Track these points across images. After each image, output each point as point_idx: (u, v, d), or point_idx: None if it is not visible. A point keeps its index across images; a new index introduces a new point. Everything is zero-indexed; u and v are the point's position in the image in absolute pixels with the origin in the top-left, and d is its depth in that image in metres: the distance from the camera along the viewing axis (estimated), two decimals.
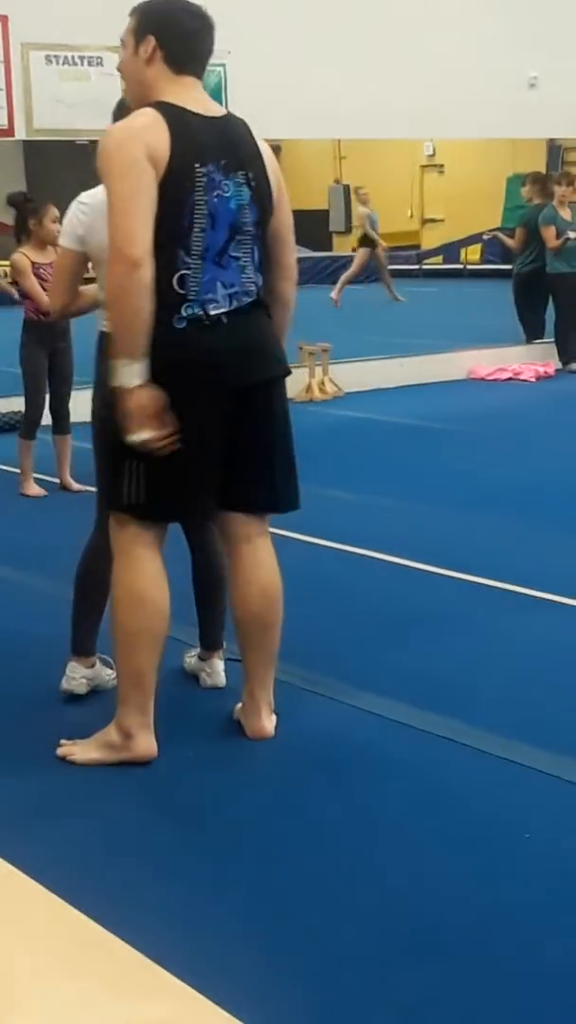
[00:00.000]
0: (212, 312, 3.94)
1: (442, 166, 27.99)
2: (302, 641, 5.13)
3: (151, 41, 3.99)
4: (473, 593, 5.86)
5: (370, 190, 28.56)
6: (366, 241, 20.81)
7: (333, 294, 19.50)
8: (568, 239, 12.50)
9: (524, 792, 3.92)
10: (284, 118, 11.34)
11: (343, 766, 4.11)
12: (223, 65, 10.57)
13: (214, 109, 4.07)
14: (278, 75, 10.85)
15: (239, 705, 4.40)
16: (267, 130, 12.42)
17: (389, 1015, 2.87)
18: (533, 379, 12.42)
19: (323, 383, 11.49)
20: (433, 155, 28.00)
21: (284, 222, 4.20)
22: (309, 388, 11.41)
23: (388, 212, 27.64)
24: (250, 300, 4.04)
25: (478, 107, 12.35)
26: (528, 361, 12.84)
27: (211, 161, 3.92)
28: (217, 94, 10.59)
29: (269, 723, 4.32)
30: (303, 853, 3.58)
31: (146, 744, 4.11)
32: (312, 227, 29.40)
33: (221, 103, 10.40)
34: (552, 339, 13.12)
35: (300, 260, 16.94)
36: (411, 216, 26.66)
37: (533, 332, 13.44)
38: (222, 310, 3.96)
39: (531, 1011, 2.87)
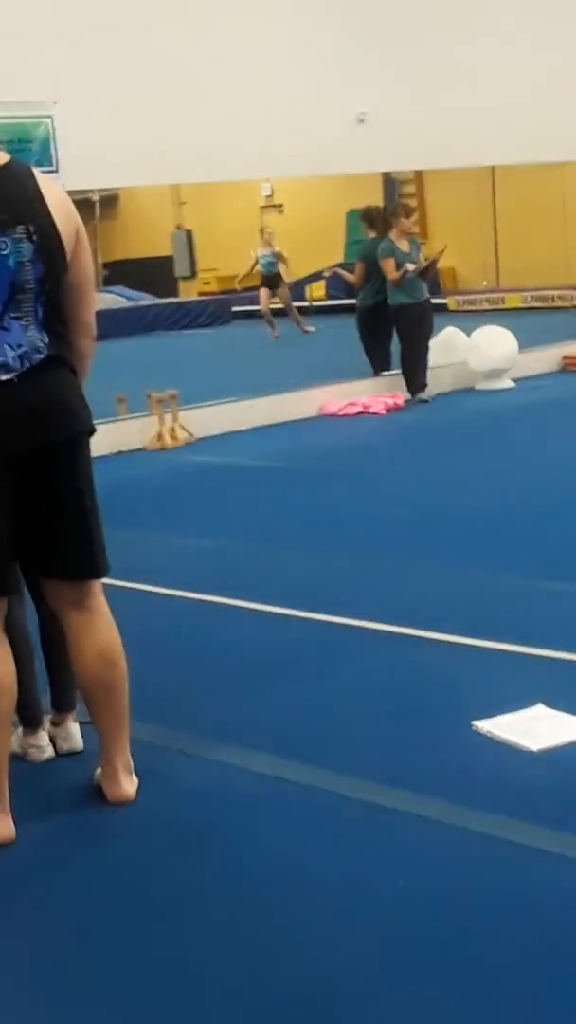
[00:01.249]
0: (3, 377, 3.79)
1: (281, 205, 28.10)
2: (159, 697, 5.05)
3: None
4: (326, 632, 5.79)
5: (211, 233, 28.71)
6: (266, 280, 20.85)
7: (273, 332, 20.20)
8: (407, 271, 12.54)
9: (393, 837, 3.83)
10: (119, 165, 11.28)
11: (207, 825, 3.99)
12: (50, 117, 10.47)
13: None
14: (109, 123, 10.74)
15: (99, 770, 4.26)
16: (102, 178, 12.48)
17: None
18: (383, 411, 12.43)
19: (173, 430, 11.37)
20: (271, 195, 28.11)
21: (82, 275, 3.99)
22: (160, 436, 11.29)
23: (231, 254, 27.72)
24: (42, 357, 3.86)
25: (309, 144, 12.37)
26: (377, 394, 12.85)
27: None
28: (46, 145, 10.49)
29: (130, 786, 4.19)
30: (161, 923, 3.44)
31: (2, 827, 3.95)
32: (157, 273, 29.45)
33: (49, 154, 10.49)
34: (399, 371, 13.14)
35: (145, 308, 17.09)
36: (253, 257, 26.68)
37: (380, 364, 13.48)
38: (13, 373, 3.81)
39: None
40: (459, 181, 24.16)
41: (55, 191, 3.94)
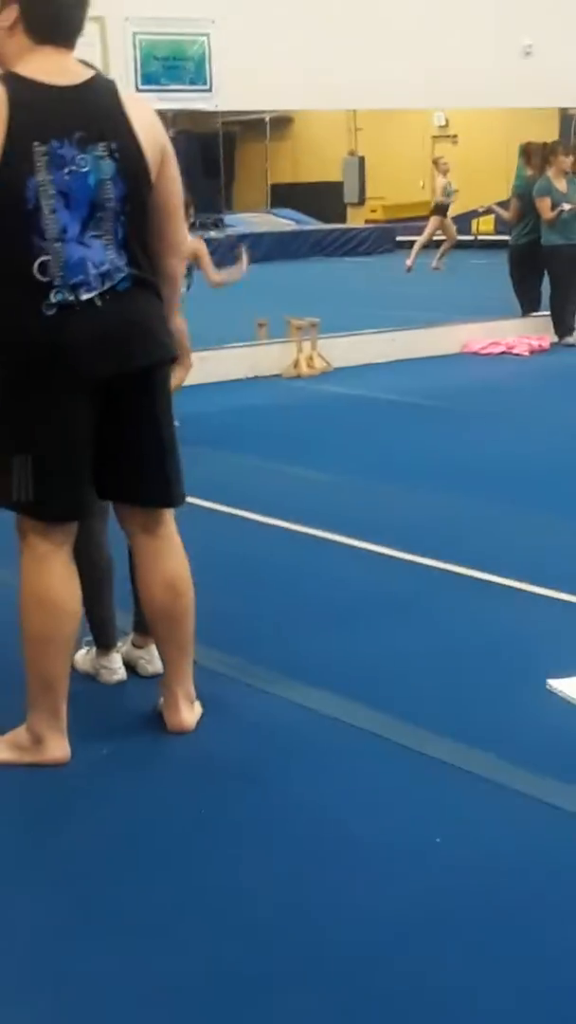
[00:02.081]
0: (83, 296, 3.74)
1: (455, 136, 27.69)
2: (240, 628, 5.06)
3: (14, 10, 3.77)
4: (424, 577, 5.70)
5: (383, 161, 28.43)
6: (438, 209, 20.59)
7: (408, 261, 19.53)
8: (563, 210, 12.27)
9: (439, 790, 3.77)
10: (274, 88, 11.15)
11: (258, 763, 3.97)
12: (207, 35, 10.38)
13: (74, 76, 3.78)
14: (265, 45, 10.61)
15: (161, 698, 4.26)
16: (256, 100, 12.40)
17: None
18: (527, 353, 12.23)
19: (311, 358, 11.31)
20: (446, 125, 27.72)
21: (169, 194, 3.92)
22: (296, 363, 11.23)
23: (402, 183, 27.46)
24: (123, 277, 3.80)
25: (474, 76, 12.11)
26: (523, 335, 12.63)
27: (58, 136, 3.67)
28: (201, 64, 10.41)
29: (190, 716, 4.18)
30: (194, 863, 3.43)
31: (57, 748, 3.97)
32: (326, 199, 29.30)
33: (204, 73, 10.43)
34: (548, 312, 12.89)
35: (309, 232, 17.13)
36: (423, 187, 26.27)
37: (529, 305, 13.24)
38: (94, 292, 3.75)
39: None
40: None
41: (141, 109, 3.88)
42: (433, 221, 20.73)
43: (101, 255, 3.77)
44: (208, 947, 3.04)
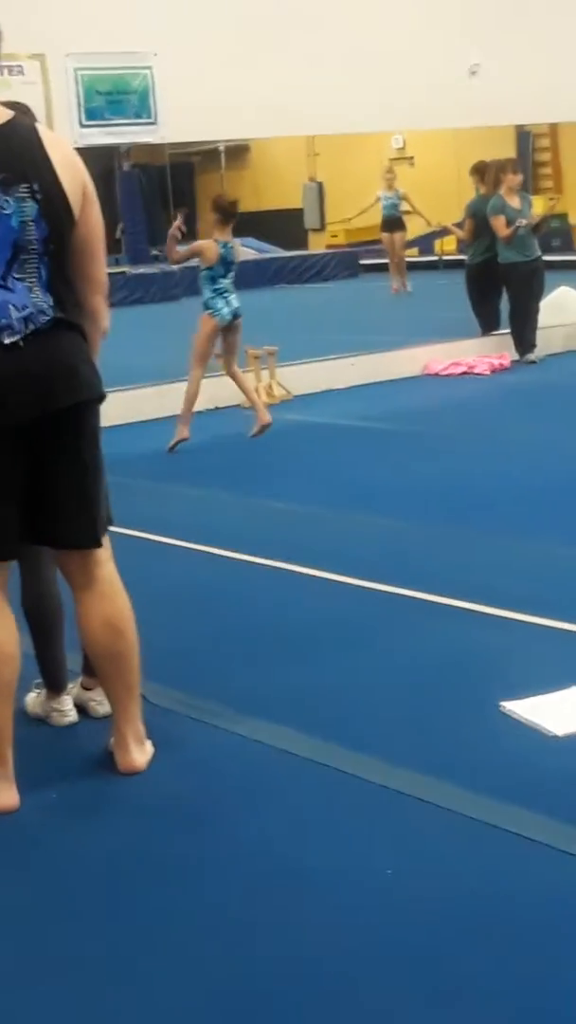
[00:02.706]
0: (6, 340, 3.70)
1: (411, 158, 27.74)
2: (191, 662, 5.02)
3: None
4: (377, 602, 5.67)
5: (342, 185, 28.44)
6: (386, 224, 20.59)
7: (394, 284, 19.79)
8: (519, 227, 12.28)
9: (394, 821, 3.73)
10: (218, 117, 11.14)
11: (212, 800, 3.93)
12: (149, 68, 10.38)
13: None
14: (208, 75, 10.62)
15: (112, 739, 4.21)
16: (200, 131, 12.38)
17: None
18: (488, 372, 12.21)
19: (270, 387, 11.27)
20: (403, 147, 27.77)
21: (91, 232, 3.90)
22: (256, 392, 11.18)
23: (360, 207, 27.46)
24: (48, 320, 3.78)
25: (422, 97, 12.15)
26: (484, 354, 12.62)
27: None
28: (144, 96, 10.40)
29: (140, 756, 4.13)
30: (146, 904, 3.38)
31: (3, 795, 3.91)
32: (287, 226, 29.32)
33: (148, 106, 10.42)
34: (508, 330, 12.89)
35: (270, 260, 17.04)
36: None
37: (488, 324, 13.23)
38: (17, 336, 3.72)
39: None
40: None
41: (61, 148, 3.85)
42: (385, 238, 20.70)
43: (24, 298, 3.74)
44: (163, 987, 3.00)
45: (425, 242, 26.80)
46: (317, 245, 29.44)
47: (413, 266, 25.78)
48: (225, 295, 9.30)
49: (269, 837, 3.68)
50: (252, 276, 24.56)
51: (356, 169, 27.34)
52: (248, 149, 29.73)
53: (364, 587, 5.86)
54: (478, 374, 12.18)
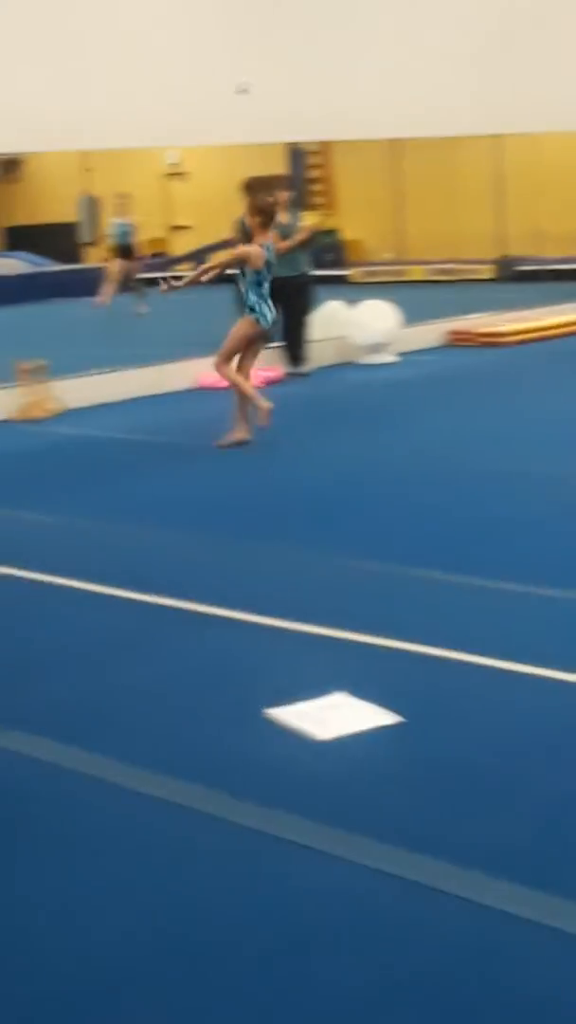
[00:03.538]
0: None
1: (184, 174, 27.87)
2: None
3: None
4: (142, 613, 5.71)
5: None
6: (118, 251, 20.51)
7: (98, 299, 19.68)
8: (295, 242, 12.43)
9: (157, 829, 3.75)
10: None
11: None
12: None
13: None
14: None
15: None
16: None
17: None
18: (261, 385, 12.30)
19: (42, 401, 11.20)
20: (178, 163, 27.87)
21: None
22: (28, 407, 11.11)
23: (136, 222, 27.44)
24: None
25: (191, 114, 12.24)
26: (256, 367, 12.70)
27: None
28: None
29: None
30: None
31: None
32: (62, 240, 29.13)
33: None
34: (279, 344, 13.03)
35: (43, 274, 16.80)
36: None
37: None
38: None
39: None
40: (367, 153, 24.10)
41: None
42: (116, 264, 20.54)
43: None
44: None
45: (199, 256, 26.96)
46: (93, 259, 29.32)
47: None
48: (268, 300, 9.25)
49: (39, 849, 3.67)
50: (25, 290, 24.38)
51: (130, 184, 27.33)
52: (21, 162, 29.48)
53: (128, 598, 5.88)
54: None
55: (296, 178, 21.65)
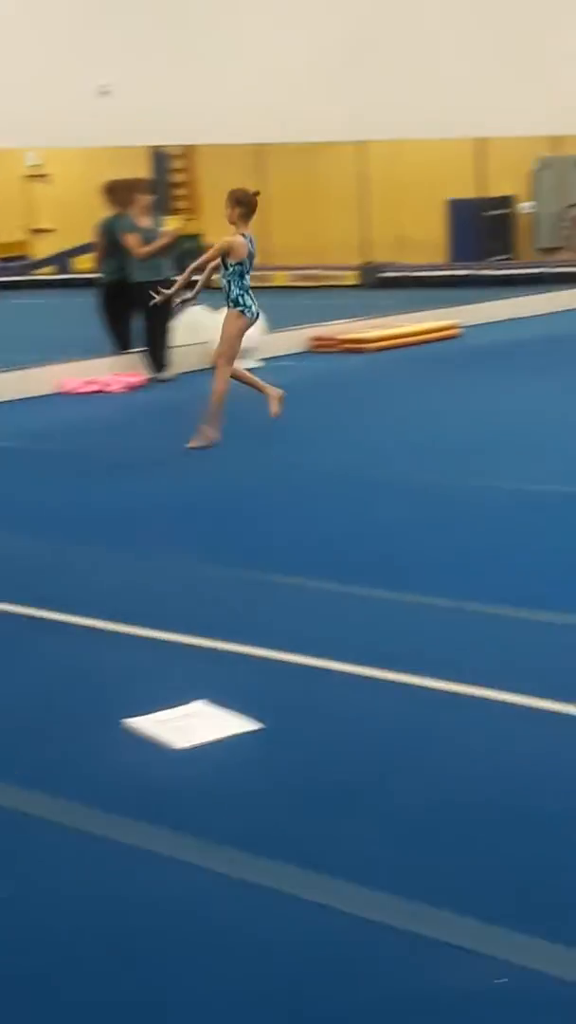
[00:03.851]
0: None
1: (46, 175, 27.61)
2: None
3: None
4: (19, 625, 5.59)
5: None
6: None
7: None
8: (156, 246, 12.37)
9: (8, 841, 3.68)
10: None
11: None
12: None
13: None
14: None
15: None
16: None
17: None
18: (122, 390, 12.23)
19: None
20: (39, 165, 27.59)
21: None
22: None
23: None
24: None
25: (50, 115, 12.11)
26: (118, 372, 12.65)
27: None
28: None
29: None
30: None
31: None
32: None
33: None
34: (141, 349, 12.95)
35: None
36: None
37: (122, 343, 13.26)
38: None
39: None
40: (231, 157, 24.07)
41: None
42: None
43: None
44: None
45: (61, 260, 26.74)
46: None
47: (49, 284, 25.71)
48: (251, 292, 9.06)
49: None
50: None
51: None
52: None
53: None
54: (112, 392, 12.19)
55: (159, 182, 21.55)
